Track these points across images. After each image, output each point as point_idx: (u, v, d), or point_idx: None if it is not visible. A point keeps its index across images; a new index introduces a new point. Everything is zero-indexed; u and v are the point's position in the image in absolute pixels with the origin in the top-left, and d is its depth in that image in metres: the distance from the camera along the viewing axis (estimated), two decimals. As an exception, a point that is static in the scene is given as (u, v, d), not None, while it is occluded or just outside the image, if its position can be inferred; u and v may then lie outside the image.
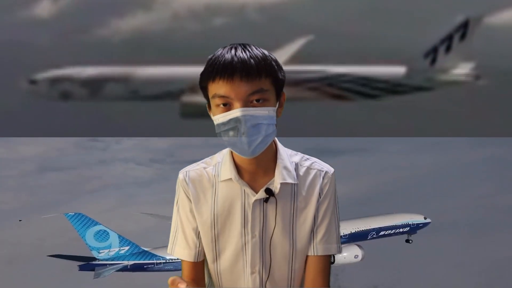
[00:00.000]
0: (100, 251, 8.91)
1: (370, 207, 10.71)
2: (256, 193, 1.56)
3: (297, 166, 1.62)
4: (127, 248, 9.03)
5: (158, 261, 8.91)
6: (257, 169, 1.57)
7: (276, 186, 1.56)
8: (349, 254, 9.02)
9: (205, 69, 1.46)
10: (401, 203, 11.07)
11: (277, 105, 1.49)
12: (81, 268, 8.87)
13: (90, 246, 8.91)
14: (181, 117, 5.17)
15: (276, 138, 1.59)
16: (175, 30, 5.44)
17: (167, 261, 8.70)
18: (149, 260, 8.96)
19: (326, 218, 1.61)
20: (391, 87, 5.36)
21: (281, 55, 5.17)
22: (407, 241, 10.09)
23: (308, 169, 1.63)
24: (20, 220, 10.37)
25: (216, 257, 1.63)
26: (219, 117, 1.44)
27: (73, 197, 13.58)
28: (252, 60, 1.39)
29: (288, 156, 1.63)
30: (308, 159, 1.66)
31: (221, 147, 1.66)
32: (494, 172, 14.37)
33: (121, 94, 5.41)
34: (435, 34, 5.20)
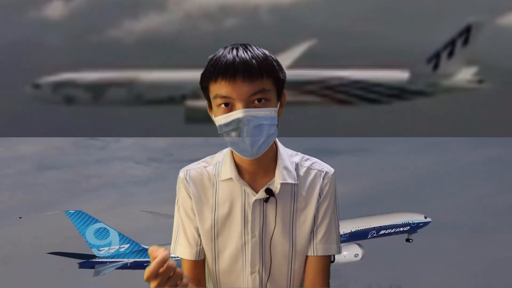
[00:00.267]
0: (100, 249, 8.90)
1: (369, 207, 10.72)
2: (256, 193, 1.56)
3: (297, 166, 1.61)
4: (127, 246, 9.02)
5: None
6: (257, 169, 1.57)
7: (276, 186, 1.56)
8: (349, 253, 8.99)
9: (206, 69, 1.45)
10: (401, 203, 11.08)
11: (278, 105, 1.48)
12: (81, 265, 8.85)
13: (90, 244, 8.89)
14: (186, 122, 5.16)
15: (276, 138, 1.59)
16: (188, 30, 5.43)
17: None
18: (149, 258, 8.94)
19: (326, 219, 1.61)
20: (394, 93, 5.36)
21: (284, 59, 5.15)
22: (408, 240, 10.07)
23: (309, 169, 1.62)
24: (20, 217, 10.37)
25: (216, 257, 1.62)
26: (221, 118, 1.43)
27: (71, 196, 13.59)
28: (253, 61, 1.39)
29: (288, 156, 1.62)
30: (308, 159, 1.65)
31: (220, 147, 1.65)
32: (494, 172, 14.41)
33: (124, 99, 5.40)
34: (443, 37, 5.19)
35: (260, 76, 1.39)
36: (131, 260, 8.96)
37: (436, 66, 5.28)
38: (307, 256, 1.62)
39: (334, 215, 1.63)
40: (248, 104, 1.40)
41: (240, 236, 1.57)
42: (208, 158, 1.67)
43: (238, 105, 1.39)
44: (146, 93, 5.38)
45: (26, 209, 12.27)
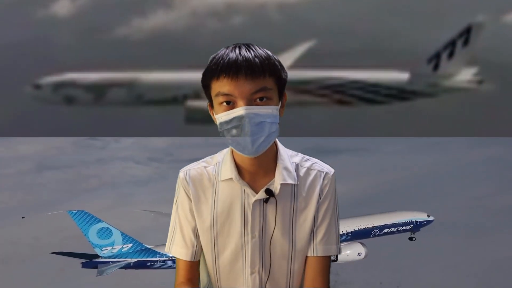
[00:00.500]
0: (103, 249, 8.89)
1: (369, 207, 10.71)
2: (256, 193, 1.56)
3: (297, 167, 1.61)
4: (130, 245, 9.02)
5: (161, 259, 8.91)
6: (257, 169, 1.57)
7: (276, 186, 1.55)
8: (352, 252, 8.96)
9: (208, 67, 1.45)
10: (401, 203, 11.08)
11: (279, 105, 1.48)
12: (84, 265, 8.85)
13: (93, 244, 8.88)
14: (186, 122, 5.16)
15: (276, 139, 1.59)
16: (195, 28, 5.41)
17: (170, 258, 8.70)
18: (152, 257, 8.96)
19: (326, 219, 1.61)
20: (394, 93, 5.36)
21: (285, 59, 5.15)
22: (410, 238, 10.05)
23: (309, 169, 1.62)
24: (23, 217, 10.38)
25: (216, 257, 1.62)
26: (222, 116, 1.43)
27: (71, 196, 13.59)
28: (256, 59, 1.40)
29: (288, 156, 1.62)
30: (308, 159, 1.65)
31: (220, 147, 1.65)
32: (494, 172, 14.42)
33: (125, 99, 5.39)
34: (444, 37, 5.19)
35: (262, 75, 1.40)
36: (134, 259, 8.95)
37: (436, 67, 5.28)
38: (307, 257, 1.62)
39: (334, 216, 1.63)
40: (250, 102, 1.40)
41: (240, 236, 1.57)
42: (208, 158, 1.66)
43: (240, 103, 1.40)
44: (147, 93, 5.38)
45: (26, 209, 12.26)
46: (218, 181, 1.59)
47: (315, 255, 1.61)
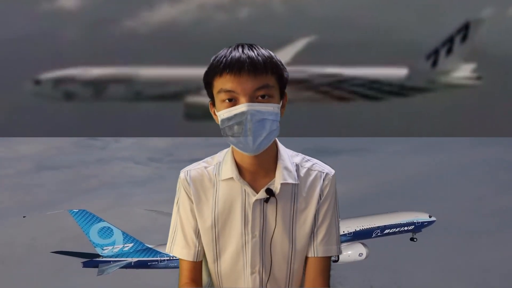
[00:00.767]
0: (104, 248, 8.90)
1: (369, 207, 10.71)
2: (257, 193, 1.55)
3: (298, 167, 1.61)
4: (131, 245, 9.03)
5: (162, 258, 8.92)
6: (258, 169, 1.57)
7: (276, 186, 1.55)
8: (354, 252, 8.95)
9: (211, 65, 1.46)
10: (401, 203, 11.09)
11: (280, 104, 1.49)
12: (85, 264, 8.86)
13: (94, 243, 8.89)
14: (185, 118, 5.15)
15: (276, 139, 1.59)
16: (202, 21, 5.41)
17: (171, 258, 8.70)
18: (153, 257, 8.96)
19: (326, 220, 1.61)
20: (393, 89, 5.36)
21: (286, 54, 5.15)
22: (412, 239, 10.03)
23: (309, 170, 1.62)
24: (24, 217, 10.39)
25: (217, 257, 1.62)
26: (224, 112, 1.44)
27: (70, 196, 13.59)
28: (259, 57, 1.42)
29: (289, 156, 1.62)
30: (309, 160, 1.65)
31: (220, 147, 1.65)
32: (494, 173, 14.42)
33: (124, 95, 5.38)
34: (442, 34, 5.18)
35: (265, 72, 1.42)
36: (135, 259, 8.96)
37: (435, 63, 5.29)
38: (307, 257, 1.62)
39: (335, 216, 1.63)
40: (252, 99, 1.41)
41: (240, 236, 1.57)
42: (208, 159, 1.66)
43: (242, 99, 1.41)
44: (146, 89, 5.37)
45: (25, 209, 12.27)
46: (218, 181, 1.59)
47: (315, 255, 1.60)
